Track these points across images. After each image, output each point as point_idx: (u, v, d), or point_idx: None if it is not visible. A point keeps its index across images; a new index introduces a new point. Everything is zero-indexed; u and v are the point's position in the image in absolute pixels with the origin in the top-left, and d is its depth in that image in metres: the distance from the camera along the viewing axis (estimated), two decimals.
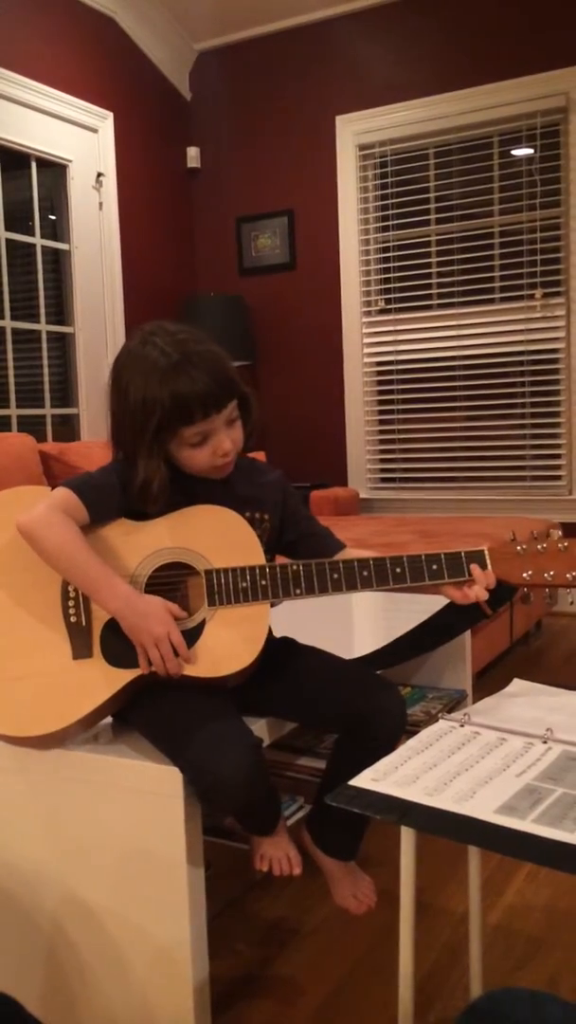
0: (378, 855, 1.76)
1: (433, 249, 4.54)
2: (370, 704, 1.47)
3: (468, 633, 2.18)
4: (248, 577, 1.42)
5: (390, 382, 4.71)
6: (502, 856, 1.78)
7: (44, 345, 4.22)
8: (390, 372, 4.70)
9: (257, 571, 1.42)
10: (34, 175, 4.14)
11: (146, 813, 1.36)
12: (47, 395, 4.23)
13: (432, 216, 4.52)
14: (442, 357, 4.54)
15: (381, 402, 4.76)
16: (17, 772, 1.46)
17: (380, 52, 4.51)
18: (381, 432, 4.77)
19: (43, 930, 1.47)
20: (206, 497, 1.48)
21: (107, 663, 1.41)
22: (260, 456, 4.11)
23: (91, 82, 4.35)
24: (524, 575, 1.41)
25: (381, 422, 4.77)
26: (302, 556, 1.55)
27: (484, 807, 1.04)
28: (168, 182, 4.91)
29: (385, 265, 4.68)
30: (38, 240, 4.19)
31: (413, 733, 1.30)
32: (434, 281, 4.55)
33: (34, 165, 4.14)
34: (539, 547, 1.41)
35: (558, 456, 4.36)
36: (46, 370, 4.22)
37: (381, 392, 4.75)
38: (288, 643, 1.63)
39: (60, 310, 4.37)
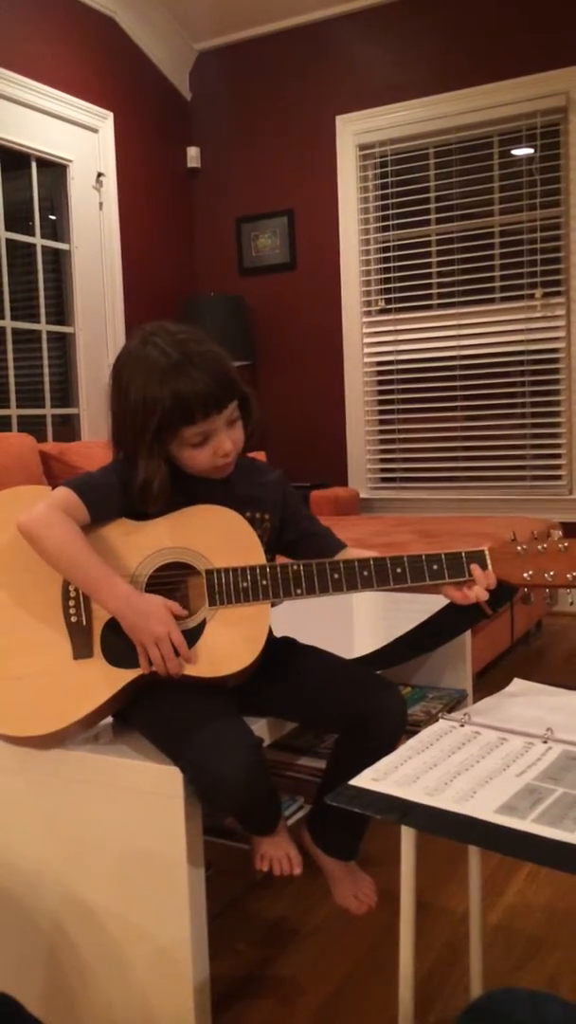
0: (378, 855, 1.76)
1: (433, 249, 4.54)
2: (370, 704, 1.47)
3: (468, 633, 2.18)
4: (249, 577, 1.42)
5: (390, 382, 4.71)
6: (502, 856, 1.78)
7: (44, 345, 4.22)
8: (390, 372, 4.70)
9: (258, 571, 1.42)
10: (34, 175, 4.14)
11: (146, 813, 1.36)
12: (47, 395, 4.23)
13: (432, 216, 4.52)
14: (442, 357, 4.54)
15: (381, 402, 4.76)
16: (17, 772, 1.46)
17: (380, 52, 4.51)
18: (381, 432, 4.77)
19: (43, 930, 1.47)
20: (206, 497, 1.48)
21: (107, 663, 1.41)
22: (260, 456, 4.11)
23: (91, 82, 4.35)
24: (525, 575, 1.41)
25: (381, 422, 4.77)
26: (302, 556, 1.55)
27: (484, 807, 1.04)
28: (168, 182, 4.91)
29: (385, 265, 4.68)
30: (38, 240, 4.19)
31: (413, 733, 1.30)
32: (434, 281, 4.55)
33: (34, 165, 4.14)
34: (540, 547, 1.41)
35: (558, 456, 4.36)
36: (46, 370, 4.22)
37: (381, 392, 4.75)
38: (288, 643, 1.64)
39: (60, 310, 4.37)
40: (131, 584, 1.42)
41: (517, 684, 1.50)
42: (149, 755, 1.38)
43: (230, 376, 1.44)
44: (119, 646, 1.40)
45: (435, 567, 1.42)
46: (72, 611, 1.43)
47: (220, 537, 1.45)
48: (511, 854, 0.99)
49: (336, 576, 1.43)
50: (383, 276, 4.69)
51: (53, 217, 4.36)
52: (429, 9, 4.37)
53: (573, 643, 3.88)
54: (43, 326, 4.22)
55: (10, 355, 4.01)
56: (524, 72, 4.19)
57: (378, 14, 4.49)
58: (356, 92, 4.58)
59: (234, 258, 4.97)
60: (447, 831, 1.02)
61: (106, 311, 4.50)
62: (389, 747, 1.25)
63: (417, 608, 1.90)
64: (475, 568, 1.42)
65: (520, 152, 4.32)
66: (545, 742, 1.22)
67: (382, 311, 4.70)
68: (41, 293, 4.20)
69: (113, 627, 1.41)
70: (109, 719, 1.49)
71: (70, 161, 4.28)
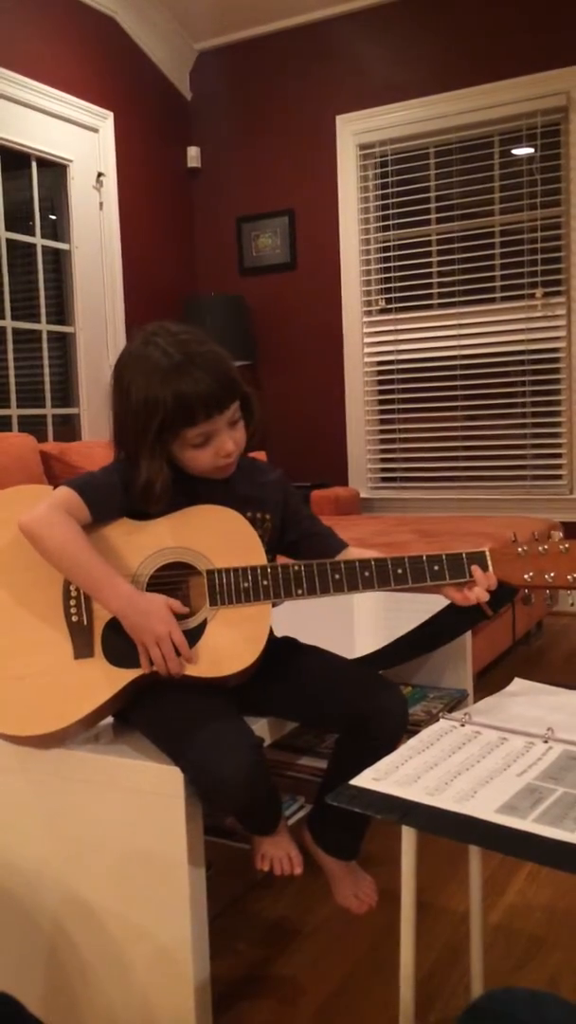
0: (379, 854, 1.76)
1: (434, 249, 4.54)
2: (371, 704, 1.47)
3: (469, 632, 2.18)
4: (250, 577, 1.42)
5: (391, 382, 4.71)
6: (503, 856, 1.78)
7: (45, 345, 4.22)
8: (391, 372, 4.70)
9: (259, 571, 1.42)
10: (34, 175, 4.14)
11: (147, 813, 1.36)
12: (48, 395, 4.23)
13: (432, 216, 4.52)
14: (442, 357, 4.54)
15: (382, 402, 4.76)
16: (18, 772, 1.47)
17: (380, 52, 4.51)
18: (382, 432, 4.77)
19: (44, 930, 1.47)
20: (207, 497, 1.48)
21: (108, 663, 1.41)
22: (261, 456, 4.11)
23: (91, 82, 4.35)
24: (525, 577, 1.41)
25: (382, 422, 4.77)
26: (304, 556, 1.55)
27: (485, 807, 1.04)
28: (168, 182, 4.91)
29: (386, 265, 4.68)
30: (38, 240, 4.19)
31: (414, 733, 1.30)
32: (435, 281, 4.55)
33: (34, 165, 4.14)
34: (540, 549, 1.41)
35: (559, 455, 4.36)
36: (47, 370, 4.22)
37: (382, 392, 4.75)
38: (289, 643, 1.64)
39: (60, 310, 4.37)
40: (132, 584, 1.42)
41: (518, 684, 1.50)
42: (150, 755, 1.38)
43: (232, 376, 1.44)
44: (120, 646, 1.40)
45: (436, 568, 1.42)
46: (73, 611, 1.43)
47: (221, 537, 1.45)
48: (512, 854, 0.99)
49: (337, 577, 1.43)
50: (383, 276, 4.69)
51: (53, 217, 4.36)
52: (429, 9, 4.37)
53: (574, 643, 3.88)
54: (43, 326, 4.22)
55: (10, 355, 4.01)
56: (524, 72, 4.19)
57: (378, 14, 4.49)
58: (356, 92, 4.58)
59: (234, 258, 4.97)
60: (448, 831, 1.02)
61: (106, 311, 4.51)
62: (390, 747, 1.25)
63: (418, 608, 1.90)
64: (476, 569, 1.42)
65: (520, 152, 4.33)
66: (546, 742, 1.22)
67: (382, 311, 4.70)
68: (41, 293, 4.20)
69: (114, 627, 1.41)
70: (109, 719, 1.49)
71: (70, 161, 4.28)
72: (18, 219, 4.09)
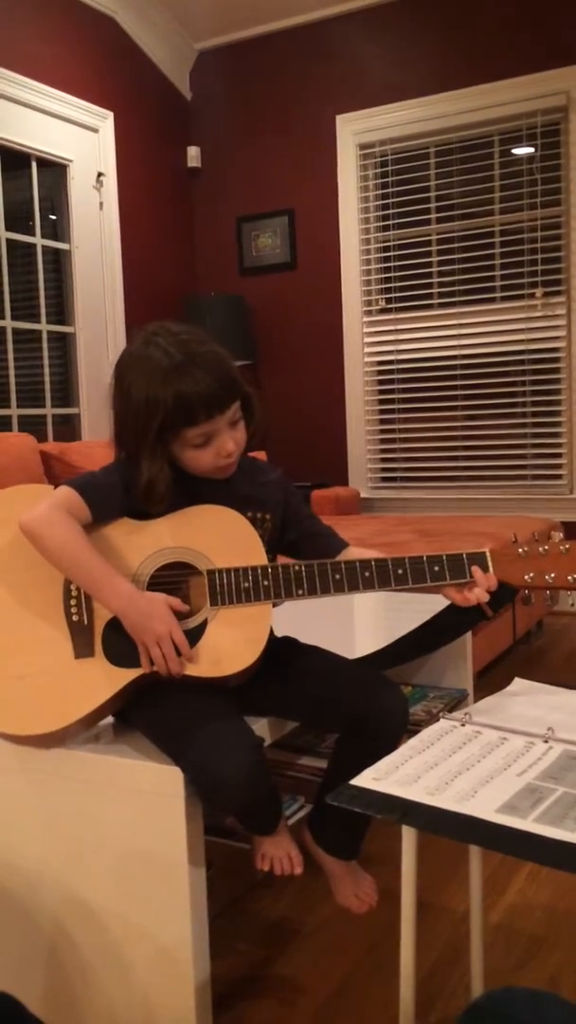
0: (379, 854, 1.76)
1: (434, 248, 4.54)
2: (372, 704, 1.47)
3: (469, 632, 2.18)
4: (250, 577, 1.42)
5: (391, 381, 4.71)
6: (503, 855, 1.78)
7: (45, 345, 4.22)
8: (391, 371, 4.70)
9: (259, 571, 1.42)
10: (34, 175, 4.14)
11: (147, 813, 1.36)
12: (48, 395, 4.23)
13: (433, 215, 4.52)
14: (443, 356, 4.54)
15: (382, 401, 4.76)
16: (18, 771, 1.47)
17: (380, 51, 4.51)
18: (382, 431, 4.77)
19: (44, 930, 1.47)
20: (208, 497, 1.48)
21: (109, 662, 1.41)
22: (261, 455, 4.11)
23: (91, 82, 4.35)
24: (525, 577, 1.41)
25: (382, 421, 4.77)
26: (304, 556, 1.55)
27: (485, 806, 1.04)
28: (168, 182, 4.91)
29: (386, 264, 4.68)
30: (38, 240, 4.19)
31: (414, 732, 1.30)
32: (435, 280, 4.55)
33: (34, 165, 4.14)
34: (541, 549, 1.41)
35: (559, 455, 4.36)
36: (47, 370, 4.22)
37: (382, 391, 4.75)
38: (290, 643, 1.64)
39: (60, 310, 4.37)
40: (132, 584, 1.42)
41: (518, 683, 1.50)
42: (150, 755, 1.38)
43: (232, 376, 1.44)
44: (120, 645, 1.40)
45: (436, 568, 1.42)
46: (73, 610, 1.43)
47: (222, 537, 1.45)
48: (512, 854, 0.99)
49: (337, 577, 1.43)
50: (383, 276, 4.69)
51: (53, 217, 4.36)
52: (429, 9, 4.38)
53: (574, 643, 3.88)
54: (43, 326, 4.22)
55: (10, 355, 4.01)
56: (524, 72, 4.19)
57: (378, 14, 4.49)
58: (356, 92, 4.58)
59: (234, 258, 4.97)
60: (448, 831, 1.02)
61: (106, 311, 4.51)
62: (390, 747, 1.25)
63: (419, 608, 1.90)
64: (476, 570, 1.42)
65: (520, 151, 4.33)
66: (546, 741, 1.22)
67: (382, 311, 4.70)
68: (41, 293, 4.20)
69: (114, 626, 1.41)
70: (110, 719, 1.49)
71: (70, 161, 4.28)
72: (18, 219, 4.09)
